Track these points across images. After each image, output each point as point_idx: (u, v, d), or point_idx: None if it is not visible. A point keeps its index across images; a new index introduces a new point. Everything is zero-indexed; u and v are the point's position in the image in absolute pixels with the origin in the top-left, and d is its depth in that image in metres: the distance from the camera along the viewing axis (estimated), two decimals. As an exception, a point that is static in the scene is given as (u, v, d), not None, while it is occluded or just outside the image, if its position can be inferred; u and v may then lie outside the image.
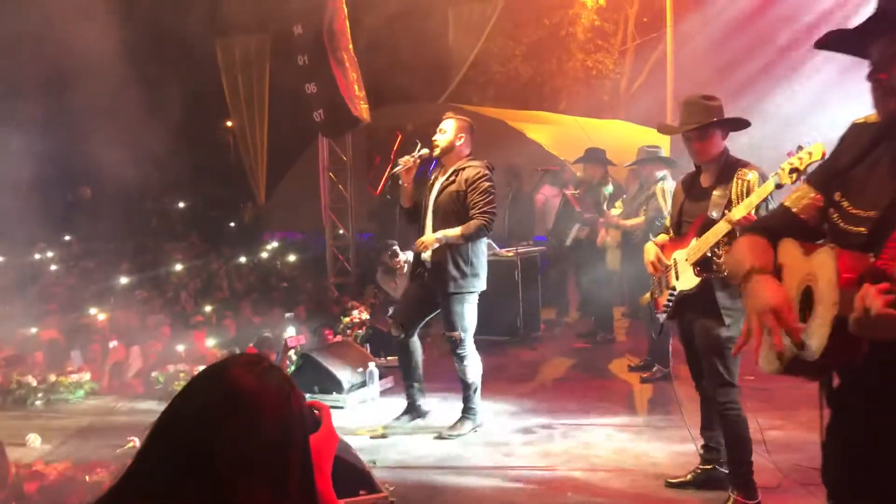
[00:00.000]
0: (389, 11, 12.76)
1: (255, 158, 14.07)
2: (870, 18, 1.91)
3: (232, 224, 15.29)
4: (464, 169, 5.03)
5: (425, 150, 5.18)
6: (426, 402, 5.51)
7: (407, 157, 5.15)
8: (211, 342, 7.14)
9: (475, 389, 5.21)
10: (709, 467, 4.17)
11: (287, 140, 13.92)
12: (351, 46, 8.82)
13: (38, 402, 6.17)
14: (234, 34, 12.97)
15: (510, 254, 8.14)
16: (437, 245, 4.96)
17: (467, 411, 5.24)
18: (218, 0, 10.50)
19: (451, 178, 5.06)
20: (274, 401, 1.39)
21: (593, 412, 5.69)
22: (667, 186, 6.37)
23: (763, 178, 3.70)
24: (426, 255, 5.06)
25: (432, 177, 5.32)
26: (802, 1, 10.99)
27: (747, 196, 3.68)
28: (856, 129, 2.07)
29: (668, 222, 4.34)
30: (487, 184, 4.98)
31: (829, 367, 1.98)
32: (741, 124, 4.01)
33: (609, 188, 7.41)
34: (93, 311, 7.88)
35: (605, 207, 7.30)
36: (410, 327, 5.30)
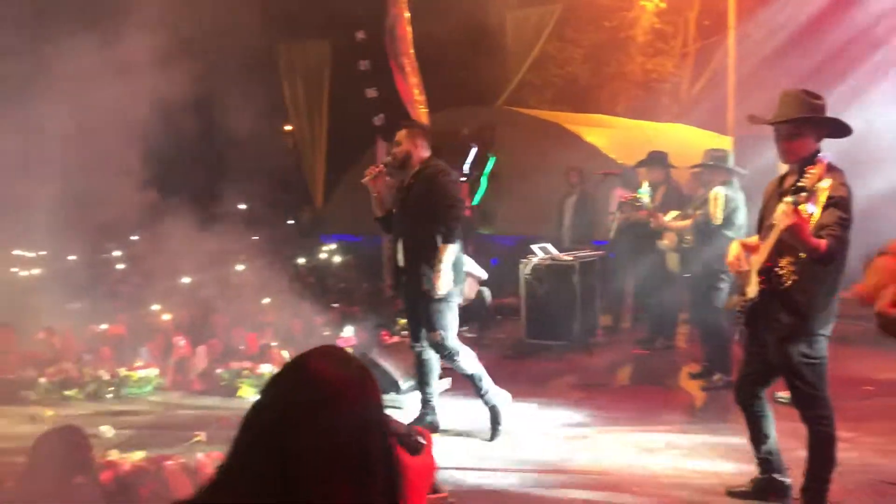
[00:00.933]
0: (449, 16, 12.82)
1: (314, 162, 14.27)
2: None
3: (291, 222, 15.55)
4: (424, 170, 5.18)
5: (389, 159, 5.37)
6: (437, 417, 5.45)
7: (372, 167, 5.34)
8: (274, 341, 7.28)
9: (481, 378, 5.20)
10: (767, 476, 4.05)
11: (346, 144, 14.08)
12: (412, 51, 8.90)
13: (108, 396, 6.41)
14: (296, 39, 13.20)
15: (569, 258, 8.10)
16: (444, 276, 4.97)
17: (489, 402, 5.21)
18: (281, 5, 10.71)
19: (413, 181, 5.20)
20: (354, 389, 1.44)
21: (652, 419, 5.64)
22: (721, 192, 6.20)
23: (839, 188, 3.41)
24: (400, 260, 5.18)
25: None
26: (875, 7, 10.61)
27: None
28: None
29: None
30: (446, 178, 5.11)
31: None
32: (840, 129, 3.56)
33: (642, 190, 7.30)
34: (156, 307, 8.10)
35: (643, 206, 7.18)
36: (415, 338, 5.35)
